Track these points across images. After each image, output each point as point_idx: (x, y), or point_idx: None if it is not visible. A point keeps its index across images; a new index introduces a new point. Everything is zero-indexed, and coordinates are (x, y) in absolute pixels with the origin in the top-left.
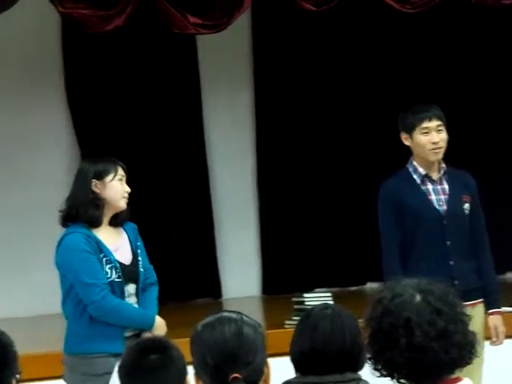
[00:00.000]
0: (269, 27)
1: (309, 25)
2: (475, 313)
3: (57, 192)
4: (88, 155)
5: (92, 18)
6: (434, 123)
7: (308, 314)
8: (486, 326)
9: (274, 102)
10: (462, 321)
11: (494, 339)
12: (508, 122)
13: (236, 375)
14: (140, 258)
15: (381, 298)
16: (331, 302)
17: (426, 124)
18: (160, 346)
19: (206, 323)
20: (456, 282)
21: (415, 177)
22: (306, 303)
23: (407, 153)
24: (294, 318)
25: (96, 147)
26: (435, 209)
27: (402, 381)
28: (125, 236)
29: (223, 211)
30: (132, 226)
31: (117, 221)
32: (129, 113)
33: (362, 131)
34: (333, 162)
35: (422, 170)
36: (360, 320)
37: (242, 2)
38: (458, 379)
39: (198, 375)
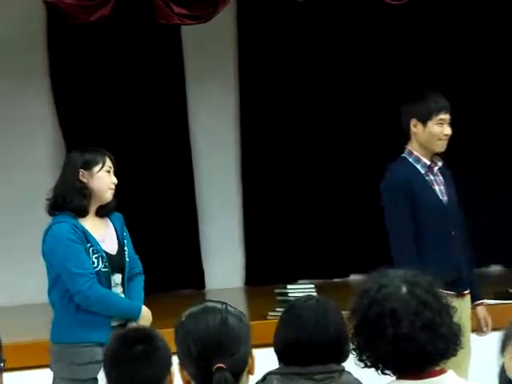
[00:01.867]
0: (254, 19)
1: (294, 16)
2: (465, 303)
3: (40, 181)
4: (72, 144)
5: (77, 8)
6: (448, 116)
7: (292, 305)
8: (472, 318)
9: (259, 95)
10: (448, 312)
11: (485, 329)
12: (500, 114)
13: (220, 365)
14: (126, 248)
15: (367, 288)
16: (314, 294)
17: (442, 115)
18: (145, 337)
19: (191, 313)
20: (460, 272)
21: (418, 167)
22: (289, 295)
23: (391, 146)
24: (277, 309)
25: (80, 137)
26: (440, 199)
27: (387, 372)
28: (111, 226)
29: (207, 202)
30: (118, 216)
31: (103, 211)
32: (113, 103)
33: (347, 124)
34: (317, 154)
35: (426, 160)
36: (344, 312)
37: None
38: (443, 371)
39: (182, 365)
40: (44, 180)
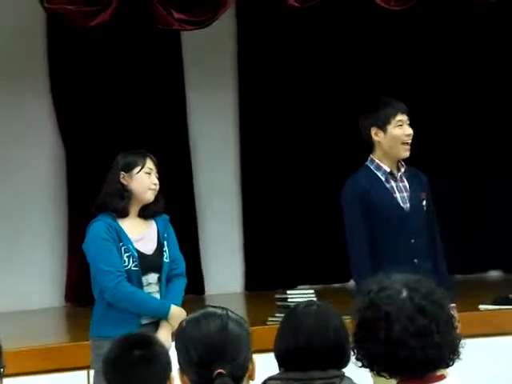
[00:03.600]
0: (253, 24)
1: (293, 21)
2: None
3: (40, 186)
4: (71, 150)
5: (77, 13)
6: (406, 116)
7: (293, 311)
8: None
9: (258, 99)
10: (446, 322)
11: None
12: (497, 118)
13: (220, 371)
14: (165, 249)
15: (369, 289)
16: (315, 299)
17: (400, 117)
18: (144, 342)
19: (191, 318)
20: None
21: (379, 174)
22: (289, 300)
23: None
24: (277, 314)
25: (80, 142)
26: (400, 207)
27: (383, 373)
28: (154, 227)
29: (206, 208)
30: (163, 217)
31: (146, 213)
32: (113, 108)
33: (346, 126)
34: (316, 159)
35: (386, 168)
36: (344, 317)
37: None
38: (442, 377)
39: (182, 370)
40: (44, 185)
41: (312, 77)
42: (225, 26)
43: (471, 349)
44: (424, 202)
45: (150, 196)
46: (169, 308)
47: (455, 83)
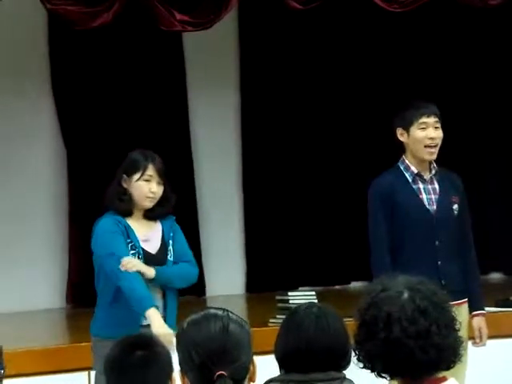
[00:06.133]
0: (255, 25)
1: (295, 23)
2: (460, 313)
3: (42, 190)
4: (73, 152)
5: (79, 14)
6: (432, 119)
7: (294, 313)
8: (469, 327)
9: (260, 101)
10: (447, 324)
11: (478, 340)
12: (499, 121)
13: (221, 372)
14: (170, 248)
15: (371, 290)
16: (315, 301)
17: (424, 119)
18: (146, 343)
19: (192, 320)
20: (443, 282)
21: (407, 175)
22: (290, 302)
23: (393, 151)
24: (278, 316)
25: (82, 144)
26: (426, 208)
27: (383, 375)
28: (159, 228)
29: (208, 209)
30: (169, 217)
31: (150, 214)
32: (114, 110)
33: (347, 130)
34: (318, 161)
35: (414, 169)
36: (345, 319)
37: (228, 0)
38: (443, 379)
39: (183, 372)
40: (45, 186)
41: (314, 78)
42: (227, 27)
43: (472, 351)
44: (455, 206)
45: (147, 204)
46: (145, 308)
47: (454, 83)
